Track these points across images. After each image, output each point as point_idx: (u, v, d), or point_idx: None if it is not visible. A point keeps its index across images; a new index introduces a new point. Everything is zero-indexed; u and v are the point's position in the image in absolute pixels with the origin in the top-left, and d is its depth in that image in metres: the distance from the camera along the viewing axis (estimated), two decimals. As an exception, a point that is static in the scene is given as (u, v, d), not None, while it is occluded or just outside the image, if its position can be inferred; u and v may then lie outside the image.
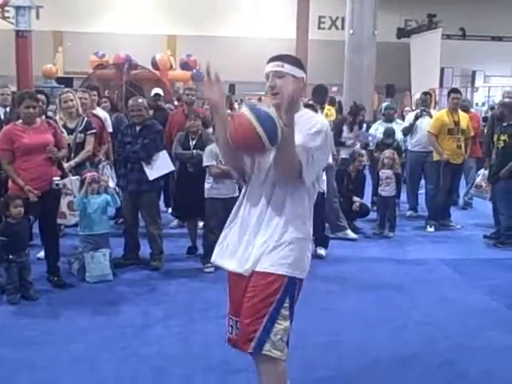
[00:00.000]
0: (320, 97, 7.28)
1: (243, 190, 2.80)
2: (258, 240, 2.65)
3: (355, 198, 7.43)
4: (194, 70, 19.48)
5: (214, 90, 2.60)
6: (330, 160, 6.33)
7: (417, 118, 8.27)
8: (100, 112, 7.32)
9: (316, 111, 6.43)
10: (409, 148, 8.57)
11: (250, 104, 2.57)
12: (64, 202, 5.62)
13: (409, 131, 8.39)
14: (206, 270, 5.68)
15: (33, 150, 5.07)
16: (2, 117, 6.49)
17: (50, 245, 5.37)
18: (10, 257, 4.85)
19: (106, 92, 9.60)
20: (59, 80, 18.59)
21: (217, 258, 2.83)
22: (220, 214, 5.21)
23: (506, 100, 7.68)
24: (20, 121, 5.16)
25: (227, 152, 2.70)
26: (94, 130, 6.27)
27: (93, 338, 4.18)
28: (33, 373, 3.64)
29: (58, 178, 5.25)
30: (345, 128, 8.12)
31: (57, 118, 6.25)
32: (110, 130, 7.26)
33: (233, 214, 2.80)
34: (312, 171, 2.59)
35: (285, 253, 2.63)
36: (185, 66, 20.11)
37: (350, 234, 7.14)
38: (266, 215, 2.65)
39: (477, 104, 19.52)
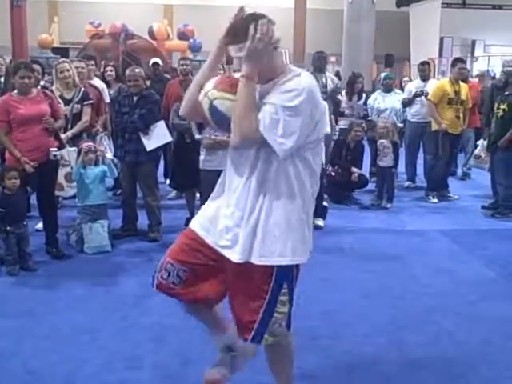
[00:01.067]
0: (318, 63, 7.55)
1: (227, 162, 2.58)
2: (243, 223, 2.42)
3: (354, 169, 7.42)
4: (191, 40, 19.29)
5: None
6: (328, 130, 6.30)
7: (415, 96, 8.20)
8: (97, 82, 7.25)
9: (317, 80, 6.53)
10: (408, 118, 8.53)
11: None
12: (61, 173, 5.59)
13: (408, 104, 8.34)
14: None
15: (29, 121, 5.03)
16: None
17: (49, 216, 5.36)
18: (8, 228, 4.85)
19: (103, 62, 9.51)
20: (55, 50, 18.42)
21: (195, 224, 2.64)
22: (215, 186, 5.19)
23: (510, 68, 7.63)
24: (15, 91, 5.11)
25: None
26: (91, 101, 6.21)
27: (92, 308, 4.20)
28: (34, 342, 3.66)
29: (56, 149, 5.21)
30: (343, 98, 8.07)
31: (53, 88, 6.19)
32: (108, 100, 7.20)
33: (219, 185, 2.64)
34: (279, 132, 2.26)
35: (271, 241, 2.39)
36: (182, 35, 19.91)
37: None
38: (250, 194, 2.40)
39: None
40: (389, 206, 7.37)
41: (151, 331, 3.83)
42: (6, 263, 4.88)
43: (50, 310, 4.15)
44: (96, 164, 5.57)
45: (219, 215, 2.52)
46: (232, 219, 2.45)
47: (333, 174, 7.45)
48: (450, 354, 3.63)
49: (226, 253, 2.46)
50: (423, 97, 8.03)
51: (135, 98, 5.77)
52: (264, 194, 2.39)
